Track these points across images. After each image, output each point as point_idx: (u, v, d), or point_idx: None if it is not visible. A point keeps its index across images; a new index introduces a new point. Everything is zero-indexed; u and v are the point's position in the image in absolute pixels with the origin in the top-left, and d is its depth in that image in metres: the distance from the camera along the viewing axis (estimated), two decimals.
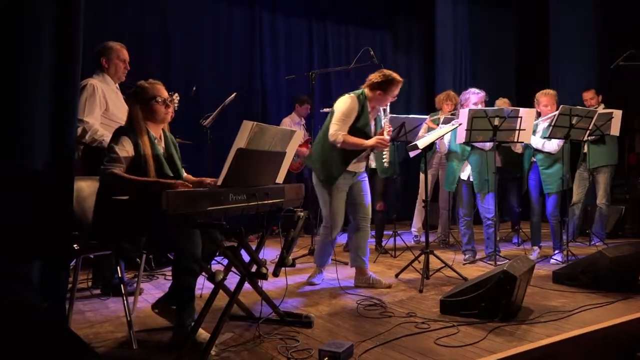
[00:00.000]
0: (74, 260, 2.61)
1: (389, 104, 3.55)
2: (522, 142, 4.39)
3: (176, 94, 2.70)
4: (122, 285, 2.50)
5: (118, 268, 2.54)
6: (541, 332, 2.58)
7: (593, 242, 5.22)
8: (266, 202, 2.42)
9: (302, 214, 2.60)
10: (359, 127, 3.44)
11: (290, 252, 2.48)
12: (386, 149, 3.76)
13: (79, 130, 3.21)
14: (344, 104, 3.44)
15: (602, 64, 6.66)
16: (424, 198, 5.66)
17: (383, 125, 3.54)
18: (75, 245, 2.53)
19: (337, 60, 7.10)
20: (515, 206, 5.50)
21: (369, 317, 2.87)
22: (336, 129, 3.39)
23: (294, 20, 6.99)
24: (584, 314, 2.87)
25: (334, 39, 7.30)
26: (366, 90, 3.49)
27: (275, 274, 2.44)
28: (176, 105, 2.70)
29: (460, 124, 3.94)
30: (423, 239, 5.74)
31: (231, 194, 2.19)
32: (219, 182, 2.18)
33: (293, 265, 2.48)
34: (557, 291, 3.41)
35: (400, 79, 3.48)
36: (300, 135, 2.62)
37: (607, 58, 6.54)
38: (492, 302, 2.73)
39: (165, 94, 2.64)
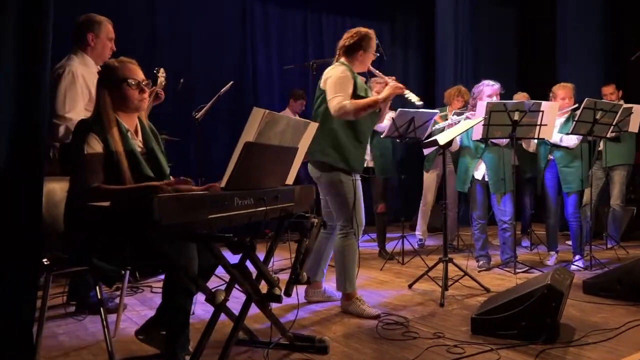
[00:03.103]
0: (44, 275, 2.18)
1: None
2: (537, 140, 4.07)
3: (162, 70, 2.23)
4: (101, 308, 2.07)
5: (97, 287, 2.11)
6: (593, 356, 2.23)
7: (611, 245, 4.92)
8: (275, 206, 2.03)
9: (316, 220, 2.21)
10: (361, 96, 2.94)
11: (305, 266, 2.09)
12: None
13: (61, 130, 2.70)
14: (335, 72, 2.92)
15: (610, 60, 6.38)
16: (429, 199, 5.42)
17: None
18: (45, 260, 2.11)
19: (332, 53, 6.67)
20: (528, 207, 5.17)
21: (390, 339, 2.48)
22: (339, 99, 2.83)
23: (288, 11, 6.62)
24: (633, 333, 2.53)
25: (329, 31, 6.92)
26: (343, 59, 3.02)
27: (288, 293, 2.04)
28: (163, 82, 2.23)
29: (484, 118, 3.58)
30: (428, 242, 5.42)
31: (237, 198, 1.79)
32: (223, 184, 1.77)
33: (308, 282, 2.08)
34: (591, 303, 3.07)
35: (372, 30, 3.08)
36: (315, 127, 2.22)
37: (615, 54, 6.29)
38: (534, 321, 2.37)
39: (139, 75, 2.15)
